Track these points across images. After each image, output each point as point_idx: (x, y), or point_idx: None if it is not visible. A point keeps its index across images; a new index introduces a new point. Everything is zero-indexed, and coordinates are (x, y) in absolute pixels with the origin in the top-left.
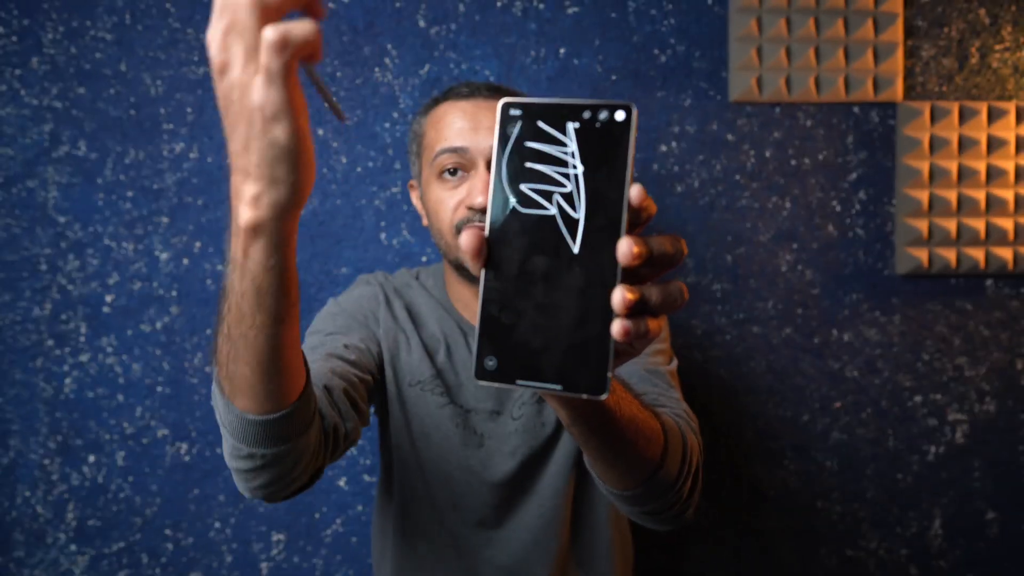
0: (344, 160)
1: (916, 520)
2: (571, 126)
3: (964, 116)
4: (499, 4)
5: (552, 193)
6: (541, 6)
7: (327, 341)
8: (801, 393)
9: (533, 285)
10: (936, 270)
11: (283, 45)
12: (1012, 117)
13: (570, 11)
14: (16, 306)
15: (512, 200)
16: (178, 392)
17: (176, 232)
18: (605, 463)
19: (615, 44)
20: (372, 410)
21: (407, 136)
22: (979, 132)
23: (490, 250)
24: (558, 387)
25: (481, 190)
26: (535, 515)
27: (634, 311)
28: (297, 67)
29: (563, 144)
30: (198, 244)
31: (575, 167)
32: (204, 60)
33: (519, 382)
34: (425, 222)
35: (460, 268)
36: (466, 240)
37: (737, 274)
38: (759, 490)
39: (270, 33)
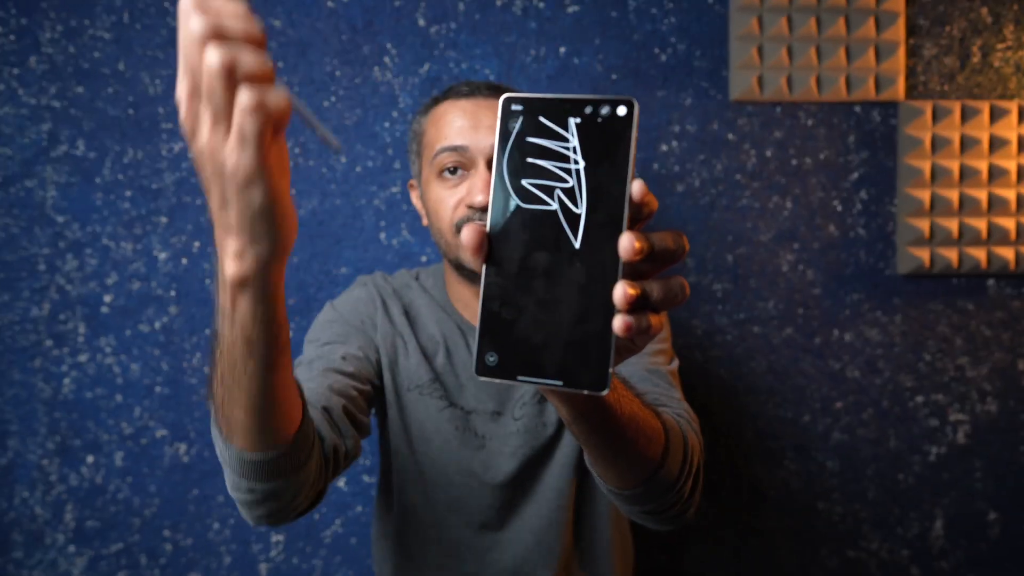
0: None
1: (917, 521)
2: (572, 121)
3: (966, 115)
4: (499, 3)
5: (553, 188)
6: (541, 5)
7: (324, 353)
8: (802, 393)
9: (534, 281)
10: (938, 270)
11: (259, 110)
12: (1014, 116)
13: (570, 10)
14: (14, 306)
15: (513, 195)
16: (177, 392)
17: (175, 232)
18: (606, 462)
19: (615, 43)
20: (372, 412)
21: (407, 135)
22: (981, 131)
23: (491, 246)
24: (559, 383)
25: (481, 189)
26: (538, 516)
27: (635, 307)
28: (271, 131)
29: (564, 139)
30: (197, 244)
31: (576, 162)
32: None
33: (520, 378)
34: (425, 222)
35: (460, 267)
36: (467, 235)
37: (738, 274)
38: (759, 490)
39: (246, 98)
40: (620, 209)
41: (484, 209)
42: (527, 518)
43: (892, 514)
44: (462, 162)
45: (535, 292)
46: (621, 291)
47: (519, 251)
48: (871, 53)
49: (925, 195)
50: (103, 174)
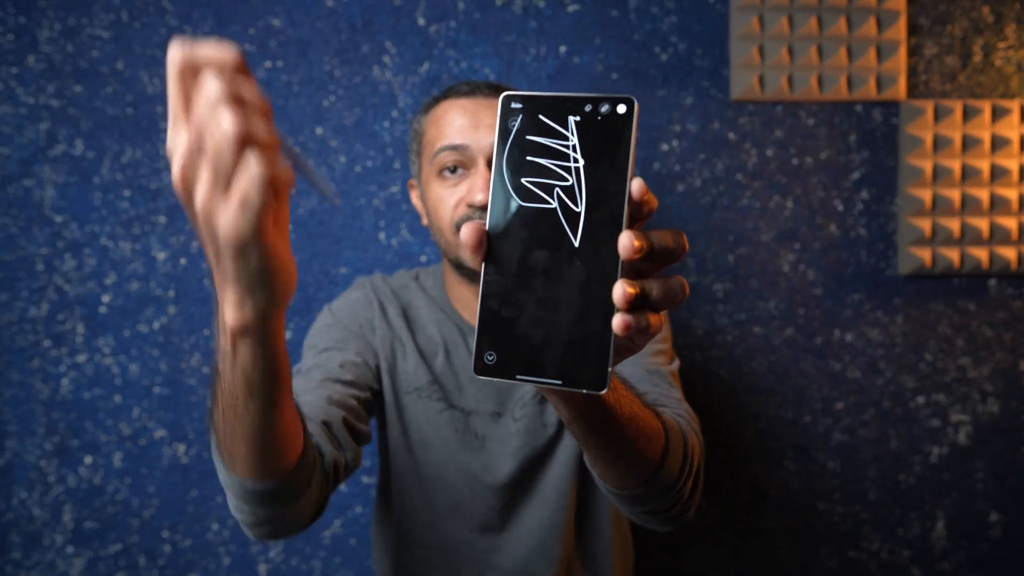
0: (343, 159)
1: (919, 521)
2: (572, 119)
3: (967, 115)
4: (499, 2)
5: (553, 187)
6: (541, 4)
7: (322, 361)
8: (802, 394)
9: (533, 279)
10: (939, 270)
11: (268, 181)
12: (1016, 116)
13: (570, 9)
14: (13, 306)
15: (513, 194)
16: (176, 393)
17: (174, 232)
18: (606, 462)
19: (616, 42)
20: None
21: (407, 135)
22: (982, 131)
23: (490, 244)
24: (558, 382)
25: (481, 188)
26: (539, 517)
27: (635, 305)
28: (273, 196)
29: (564, 137)
30: (196, 244)
31: (576, 160)
32: None
33: (519, 377)
34: (425, 221)
35: (460, 267)
36: (466, 233)
37: (738, 274)
38: (759, 490)
39: (255, 167)
40: (620, 208)
41: (484, 208)
42: (528, 519)
43: (893, 514)
44: (462, 161)
45: (534, 291)
46: (620, 290)
47: (518, 250)
48: (872, 52)
49: (926, 195)
50: (101, 173)
